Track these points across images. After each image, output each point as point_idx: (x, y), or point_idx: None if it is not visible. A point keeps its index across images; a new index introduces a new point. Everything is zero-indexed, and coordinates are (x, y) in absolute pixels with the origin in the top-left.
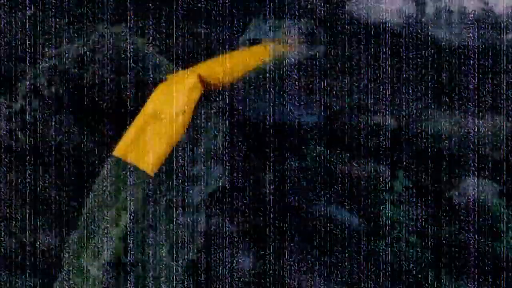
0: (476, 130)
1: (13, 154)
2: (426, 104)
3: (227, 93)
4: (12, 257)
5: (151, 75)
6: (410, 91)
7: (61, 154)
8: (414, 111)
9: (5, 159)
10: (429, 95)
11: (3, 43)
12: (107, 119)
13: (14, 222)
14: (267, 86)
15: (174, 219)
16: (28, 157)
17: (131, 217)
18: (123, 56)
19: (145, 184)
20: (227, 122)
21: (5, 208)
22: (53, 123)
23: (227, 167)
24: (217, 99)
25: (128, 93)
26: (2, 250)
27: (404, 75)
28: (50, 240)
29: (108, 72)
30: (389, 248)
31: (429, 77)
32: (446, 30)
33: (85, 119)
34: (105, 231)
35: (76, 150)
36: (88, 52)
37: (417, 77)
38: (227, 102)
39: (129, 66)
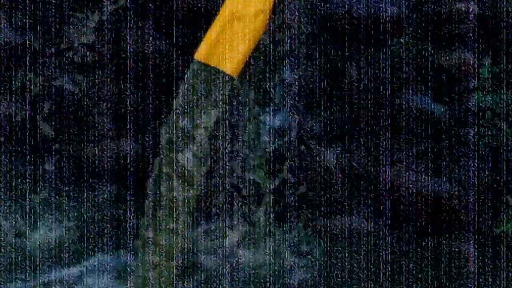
0: None
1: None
2: None
3: None
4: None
5: None
6: None
7: (142, 61)
8: None
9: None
10: None
11: None
12: (184, 24)
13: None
14: None
15: (258, 118)
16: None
17: (218, 120)
18: None
19: (229, 86)
20: (306, 18)
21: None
22: (133, 31)
23: (309, 62)
24: None
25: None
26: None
27: None
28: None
29: None
30: (477, 136)
31: None
32: None
33: (163, 25)
34: (193, 134)
35: (156, 56)
36: None
37: None
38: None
39: None
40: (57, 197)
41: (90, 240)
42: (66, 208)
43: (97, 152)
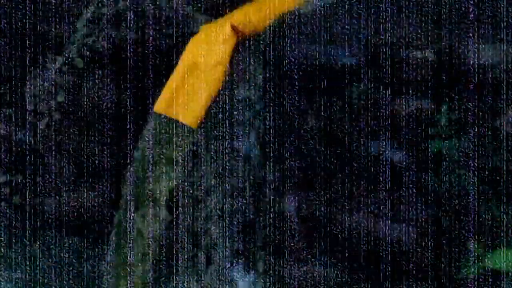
0: None
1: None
2: (467, 35)
3: (262, 40)
4: (55, 219)
5: (183, 29)
6: (450, 23)
7: (98, 112)
8: (455, 43)
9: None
10: (470, 26)
11: None
12: (142, 77)
13: (54, 182)
14: (303, 29)
15: (221, 169)
16: (62, 118)
17: (180, 172)
18: (152, 11)
19: (189, 138)
20: (264, 69)
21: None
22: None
23: (269, 112)
24: (252, 46)
25: (161, 49)
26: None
27: (445, 7)
28: (95, 201)
29: (139, 29)
30: (437, 182)
31: (469, 9)
32: None
33: (119, 77)
34: (155, 187)
35: (114, 109)
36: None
37: (457, 9)
38: (262, 49)
39: (159, 21)
40: None
41: None
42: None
43: (55, 204)
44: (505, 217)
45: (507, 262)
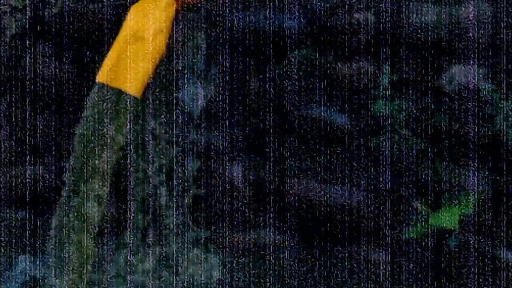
0: (462, 17)
1: None
2: None
3: (202, 7)
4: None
5: None
6: None
7: (41, 85)
8: (395, 4)
9: None
10: None
11: None
12: (84, 47)
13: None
14: None
15: (165, 139)
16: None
17: (124, 141)
18: None
19: (133, 106)
20: (206, 36)
21: None
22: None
23: (212, 81)
24: (193, 13)
25: (103, 18)
26: None
27: None
28: (44, 171)
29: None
30: (383, 143)
31: None
32: None
33: (62, 48)
34: (100, 157)
35: (56, 80)
36: None
37: None
38: (203, 15)
39: None
40: None
41: None
42: None
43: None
44: (448, 176)
45: (451, 220)
